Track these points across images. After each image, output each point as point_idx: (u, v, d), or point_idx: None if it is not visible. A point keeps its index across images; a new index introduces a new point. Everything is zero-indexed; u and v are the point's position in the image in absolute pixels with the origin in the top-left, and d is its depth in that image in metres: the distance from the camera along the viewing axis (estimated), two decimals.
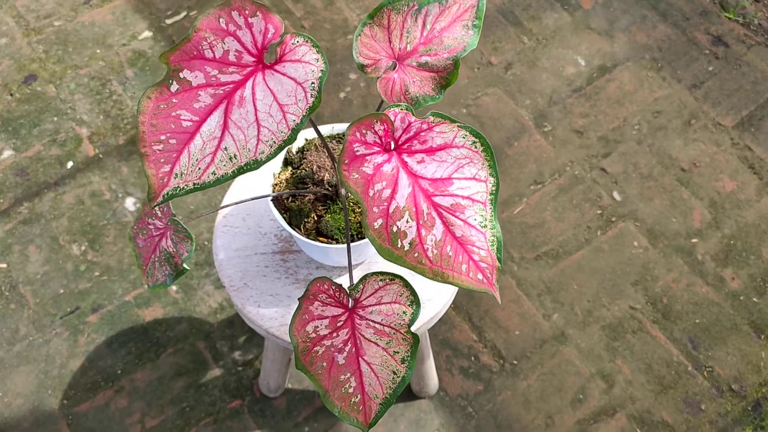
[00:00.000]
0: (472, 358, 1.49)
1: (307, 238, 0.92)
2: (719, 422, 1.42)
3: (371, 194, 0.69)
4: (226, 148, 0.69)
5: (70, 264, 1.59)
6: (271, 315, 0.98)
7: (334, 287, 0.74)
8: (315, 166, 0.94)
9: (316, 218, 0.93)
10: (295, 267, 1.02)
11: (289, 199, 0.94)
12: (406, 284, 0.73)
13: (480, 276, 0.71)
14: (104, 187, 1.68)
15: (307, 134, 1.00)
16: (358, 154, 0.69)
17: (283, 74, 0.70)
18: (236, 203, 0.90)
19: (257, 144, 0.70)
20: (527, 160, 1.70)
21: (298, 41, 0.71)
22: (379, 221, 0.69)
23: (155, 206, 0.69)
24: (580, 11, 1.92)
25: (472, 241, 0.71)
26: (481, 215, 0.72)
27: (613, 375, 1.46)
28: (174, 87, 0.70)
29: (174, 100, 0.70)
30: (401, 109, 0.72)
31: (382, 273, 0.73)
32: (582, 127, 1.74)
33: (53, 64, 1.87)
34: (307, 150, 0.97)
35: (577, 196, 1.65)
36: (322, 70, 0.70)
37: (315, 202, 0.93)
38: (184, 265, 0.85)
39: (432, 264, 0.70)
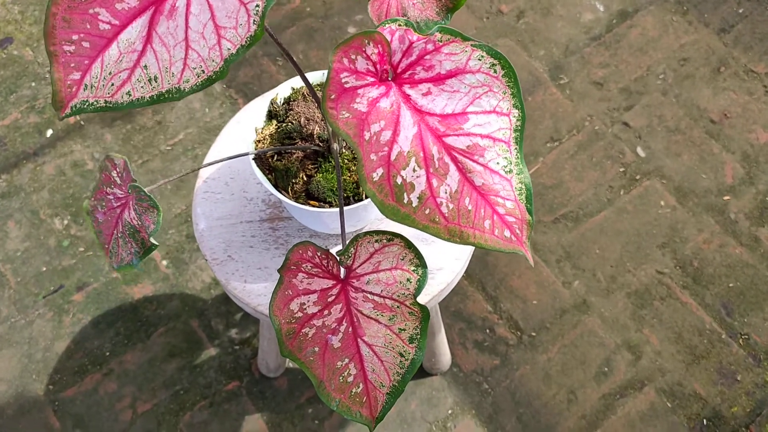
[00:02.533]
0: (487, 331, 1.37)
1: (296, 201, 0.80)
2: (757, 393, 1.30)
3: (367, 137, 0.56)
4: (146, 66, 0.59)
5: (53, 239, 1.48)
6: (260, 291, 0.86)
7: (320, 254, 0.61)
8: (303, 119, 0.82)
9: (305, 179, 0.81)
10: (285, 236, 0.90)
11: (275, 158, 0.82)
12: (408, 244, 0.60)
13: (507, 233, 0.59)
14: (86, 156, 1.57)
15: (295, 83, 0.88)
16: (347, 86, 0.57)
17: None
18: (208, 165, 0.78)
19: (183, 69, 0.58)
20: (543, 116, 1.56)
21: None
22: (379, 171, 0.57)
23: (63, 118, 0.60)
24: None
25: (496, 191, 0.59)
26: (505, 158, 0.59)
27: (641, 345, 1.34)
28: None
29: None
30: (399, 26, 0.59)
31: (377, 232, 0.61)
32: (602, 79, 1.60)
33: (30, 26, 1.75)
34: (294, 101, 0.85)
35: (598, 153, 1.52)
36: None
37: (304, 160, 0.81)
38: (152, 240, 0.73)
39: (448, 222, 0.58)
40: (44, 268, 1.46)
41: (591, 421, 1.29)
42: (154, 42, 0.59)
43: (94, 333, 1.40)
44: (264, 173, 0.81)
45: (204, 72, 0.59)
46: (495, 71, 0.59)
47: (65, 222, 1.50)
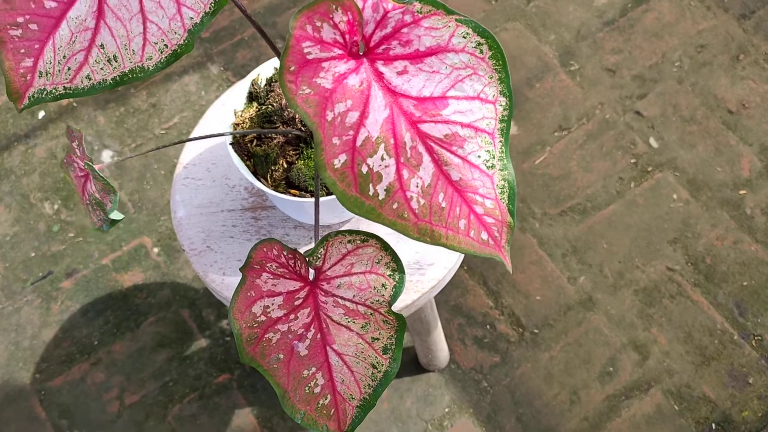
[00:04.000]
0: (488, 327, 1.32)
1: (275, 190, 0.74)
2: None
3: (330, 118, 0.50)
4: (102, 45, 0.53)
5: (42, 224, 1.44)
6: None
7: (286, 253, 0.56)
8: (284, 101, 0.76)
9: (285, 166, 0.75)
10: (268, 226, 0.85)
11: (254, 142, 0.77)
12: (385, 246, 0.55)
13: (485, 235, 0.53)
14: None
15: (278, 62, 0.82)
16: (310, 58, 0.51)
17: None
18: (173, 144, 0.72)
19: (144, 45, 0.53)
20: (551, 103, 1.50)
21: None
22: (342, 158, 0.51)
23: (22, 110, 0.55)
24: None
25: (475, 187, 0.53)
26: (488, 150, 0.53)
27: (648, 345, 1.29)
28: None
29: None
30: None
31: (350, 232, 0.55)
32: (614, 65, 1.53)
33: None
34: (276, 81, 0.79)
35: (608, 143, 1.45)
36: None
37: (285, 146, 0.76)
38: (112, 217, 0.68)
39: (417, 219, 0.52)
40: (33, 254, 1.42)
41: (594, 423, 1.23)
42: (107, 17, 0.53)
43: (82, 321, 1.36)
44: (242, 159, 0.76)
45: (167, 46, 0.53)
46: (481, 51, 0.53)
47: (55, 206, 1.46)
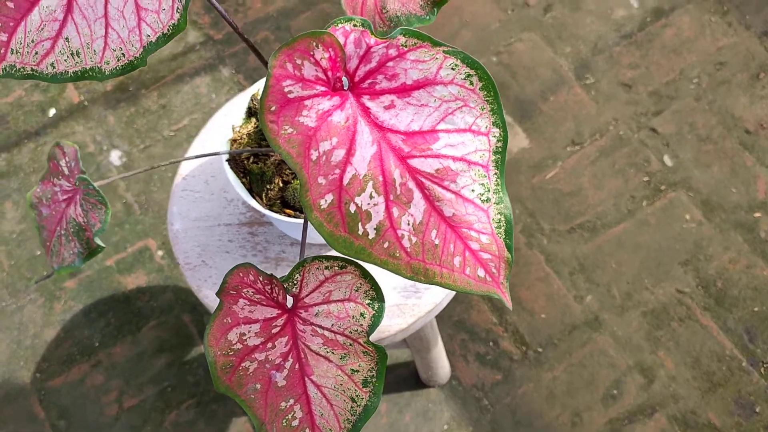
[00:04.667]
0: (491, 344, 1.30)
1: (270, 209, 0.73)
2: None
3: (314, 157, 0.49)
4: (68, 39, 0.55)
5: None
6: None
7: (262, 278, 0.54)
8: None
9: (281, 185, 0.74)
10: (264, 242, 0.83)
11: (251, 160, 0.76)
12: (364, 273, 0.53)
13: (481, 272, 0.51)
14: (88, 138, 1.52)
15: None
16: (291, 96, 0.49)
17: None
18: (169, 164, 0.71)
19: (104, 48, 0.55)
20: (564, 117, 1.47)
21: None
22: (329, 197, 0.50)
23: None
24: None
25: (469, 223, 0.52)
26: (482, 184, 0.52)
27: (654, 369, 1.26)
28: None
29: None
30: (354, 26, 0.51)
31: (327, 257, 0.54)
32: (630, 80, 1.50)
33: None
34: None
35: (621, 160, 1.43)
36: None
37: (281, 164, 0.74)
38: (97, 241, 0.67)
39: (410, 258, 0.51)
40: (38, 252, 1.42)
41: None
42: (74, 13, 0.55)
43: (84, 322, 1.36)
44: (238, 176, 0.74)
45: (124, 56, 0.55)
46: (471, 83, 0.51)
47: None
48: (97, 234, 0.66)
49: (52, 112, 1.56)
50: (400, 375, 1.29)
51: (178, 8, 0.52)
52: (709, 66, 1.51)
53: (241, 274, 0.54)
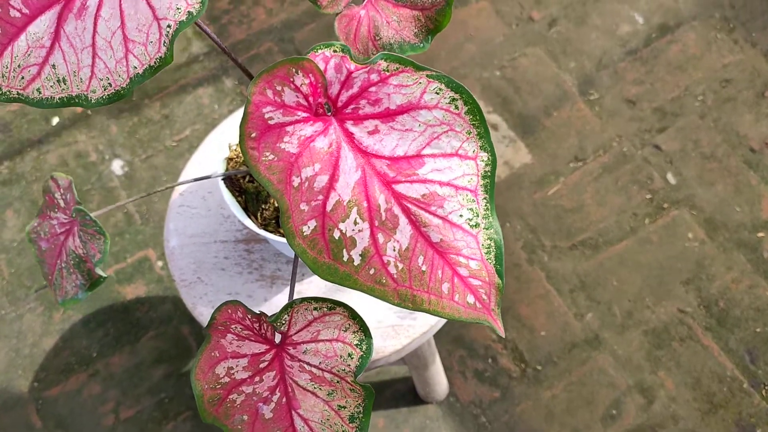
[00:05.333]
0: (489, 361, 1.29)
1: (265, 229, 0.73)
2: None
3: (296, 184, 0.49)
4: (54, 66, 0.55)
5: None
6: None
7: (251, 316, 0.54)
8: None
9: (276, 204, 0.74)
10: (260, 260, 0.83)
11: (246, 178, 0.75)
12: (353, 315, 0.53)
13: (471, 298, 0.51)
14: (90, 148, 1.52)
15: None
16: (271, 123, 0.49)
17: None
18: (163, 189, 0.71)
19: (91, 77, 0.55)
20: (568, 133, 1.47)
21: None
22: (311, 224, 0.49)
23: None
24: None
25: (457, 248, 0.51)
26: (470, 209, 0.51)
27: (654, 389, 1.25)
28: None
29: None
30: (334, 51, 0.51)
31: (316, 299, 0.53)
32: (635, 96, 1.50)
33: None
34: None
35: (624, 177, 1.42)
36: (190, 12, 0.51)
37: None
38: (99, 271, 0.66)
39: (397, 284, 0.50)
40: None
41: None
42: (62, 41, 0.55)
43: (83, 332, 1.36)
44: (234, 194, 0.74)
45: (111, 85, 0.55)
46: (456, 107, 0.50)
47: None
48: (97, 264, 0.66)
49: (55, 120, 1.56)
50: (398, 390, 1.29)
51: (165, 42, 0.52)
52: (714, 83, 1.50)
53: (229, 311, 0.54)
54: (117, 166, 1.50)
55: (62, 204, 0.69)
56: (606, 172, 1.43)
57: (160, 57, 0.53)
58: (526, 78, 1.54)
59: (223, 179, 0.74)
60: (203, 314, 0.81)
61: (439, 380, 1.19)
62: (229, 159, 0.76)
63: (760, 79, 1.51)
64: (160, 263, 1.40)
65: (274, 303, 0.80)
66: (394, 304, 0.50)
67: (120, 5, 0.53)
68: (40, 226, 0.72)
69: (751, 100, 1.48)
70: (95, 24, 0.54)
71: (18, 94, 0.57)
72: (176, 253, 0.85)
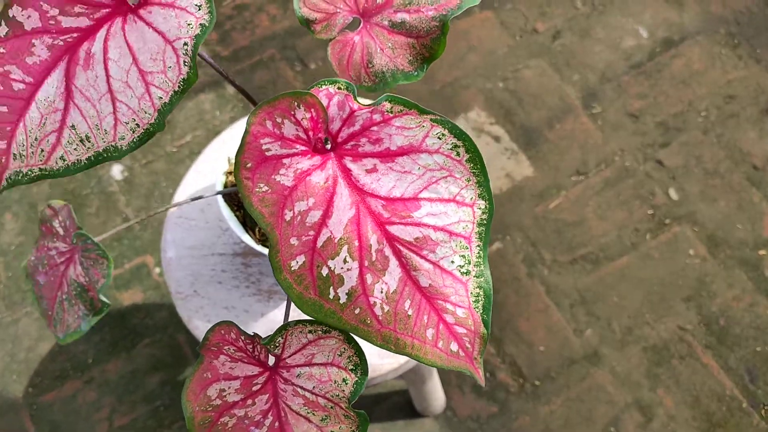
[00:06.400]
0: (488, 375, 1.28)
1: (263, 245, 0.72)
2: None
3: (288, 218, 0.48)
4: (73, 126, 0.52)
5: None
6: None
7: (244, 338, 0.54)
8: None
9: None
10: (258, 274, 0.82)
11: None
12: (348, 339, 0.52)
13: (454, 346, 0.50)
14: None
15: None
16: (269, 154, 0.48)
17: (148, 24, 0.51)
18: (166, 208, 0.70)
19: (115, 125, 0.52)
20: (570, 146, 1.46)
21: None
22: (300, 259, 0.49)
23: (1, 191, 0.54)
24: None
25: (446, 295, 0.50)
26: (463, 256, 0.50)
27: (653, 407, 1.24)
28: (2, 30, 0.53)
29: (2, 50, 0.52)
30: (338, 89, 0.50)
31: (311, 322, 0.53)
32: (638, 111, 1.49)
33: None
34: None
35: (626, 191, 1.41)
36: (202, 25, 0.50)
37: None
38: (102, 298, 0.64)
39: (381, 326, 0.49)
40: None
41: None
42: (75, 97, 0.52)
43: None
44: (233, 209, 0.73)
45: (139, 126, 0.52)
46: (458, 153, 0.50)
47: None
48: (101, 290, 0.64)
49: None
50: (395, 403, 1.28)
51: (185, 62, 0.51)
52: (718, 99, 1.50)
53: (222, 331, 0.53)
54: (117, 171, 1.49)
55: (61, 232, 0.67)
56: (608, 187, 1.42)
57: (183, 79, 0.51)
58: (530, 90, 1.53)
59: (221, 194, 0.73)
60: (199, 328, 0.80)
61: (436, 395, 1.19)
62: (229, 173, 0.76)
63: (764, 96, 1.50)
64: (157, 270, 1.39)
65: (271, 318, 0.79)
66: (376, 345, 0.50)
67: (126, 41, 0.51)
68: (38, 259, 0.69)
69: (755, 116, 1.48)
70: (106, 69, 0.51)
71: (40, 170, 0.53)
72: (173, 265, 0.84)
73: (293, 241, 0.48)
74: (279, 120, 0.48)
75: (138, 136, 0.52)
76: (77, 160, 0.53)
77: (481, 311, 0.50)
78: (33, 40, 0.52)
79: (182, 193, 0.88)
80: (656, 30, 1.58)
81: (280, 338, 0.52)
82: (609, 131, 1.48)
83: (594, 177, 1.44)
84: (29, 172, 0.53)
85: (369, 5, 0.56)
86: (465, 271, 0.50)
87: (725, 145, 1.45)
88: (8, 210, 1.47)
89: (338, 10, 0.56)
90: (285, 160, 0.48)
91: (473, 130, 1.49)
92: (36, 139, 0.52)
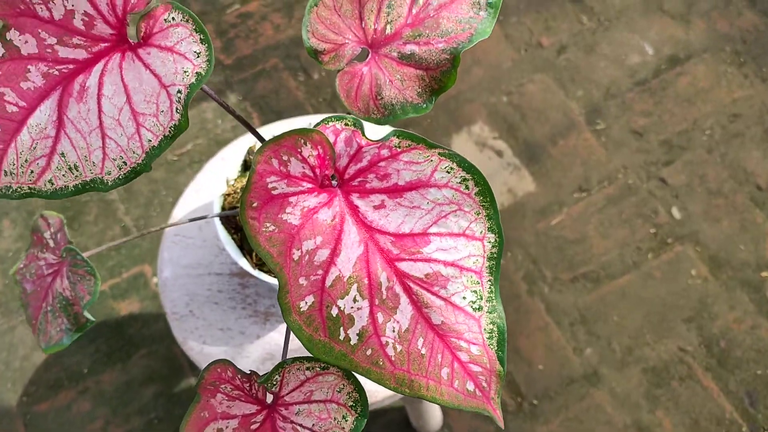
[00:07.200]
0: None
1: (260, 269, 0.71)
2: None
3: (296, 257, 0.47)
4: (63, 154, 0.53)
5: None
6: (218, 356, 0.78)
7: (240, 377, 0.53)
8: None
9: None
10: (255, 295, 0.81)
11: None
12: (348, 375, 0.51)
13: (470, 385, 0.49)
14: None
15: (276, 130, 0.79)
16: (275, 193, 0.47)
17: (146, 65, 0.50)
18: (160, 228, 0.69)
19: (103, 159, 0.52)
20: (573, 163, 1.45)
21: (173, 18, 0.50)
22: (309, 299, 0.47)
23: None
24: None
25: (459, 332, 0.49)
26: (474, 291, 0.49)
27: (652, 428, 1.23)
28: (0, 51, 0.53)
29: None
30: (346, 125, 0.49)
31: (309, 359, 0.52)
32: (642, 128, 1.48)
33: None
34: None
35: (629, 209, 1.40)
36: (198, 74, 0.49)
37: None
38: (86, 315, 0.64)
39: (394, 367, 0.48)
40: None
41: None
42: (66, 127, 0.52)
43: (74, 347, 1.34)
44: (230, 232, 0.72)
45: (126, 164, 0.52)
46: (467, 187, 0.49)
47: None
48: (86, 306, 0.63)
49: None
50: (392, 420, 1.27)
51: (177, 108, 0.50)
52: (722, 117, 1.49)
53: (219, 370, 0.52)
54: None
55: (51, 244, 0.67)
56: (610, 204, 1.41)
57: (174, 125, 0.50)
58: (533, 105, 1.52)
59: (219, 217, 0.72)
60: (194, 349, 0.79)
61: (433, 413, 1.18)
62: (227, 195, 0.75)
63: None
64: (155, 279, 1.38)
65: (267, 341, 0.78)
66: (390, 388, 0.48)
67: (123, 80, 0.51)
68: (27, 267, 0.69)
69: (760, 136, 1.47)
70: (99, 104, 0.51)
71: (29, 188, 0.54)
72: (169, 285, 0.83)
73: (302, 281, 0.47)
74: (285, 158, 0.47)
75: (124, 174, 0.52)
76: (65, 186, 0.54)
77: (496, 348, 0.49)
78: (29, 66, 0.52)
79: (180, 211, 0.87)
80: (662, 47, 1.57)
81: (277, 376, 0.51)
82: (612, 148, 1.47)
83: (596, 194, 1.42)
84: (19, 189, 0.54)
85: (378, 36, 0.55)
86: (477, 306, 0.49)
87: (729, 164, 1.44)
88: (6, 216, 1.46)
89: (347, 41, 0.55)
90: (291, 198, 0.48)
91: (476, 144, 1.48)
92: (26, 161, 0.53)
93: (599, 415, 1.25)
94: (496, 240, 0.49)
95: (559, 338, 1.31)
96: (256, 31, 1.63)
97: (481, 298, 0.49)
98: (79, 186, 0.53)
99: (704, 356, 1.28)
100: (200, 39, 0.50)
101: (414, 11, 0.55)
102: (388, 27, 0.55)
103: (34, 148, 0.53)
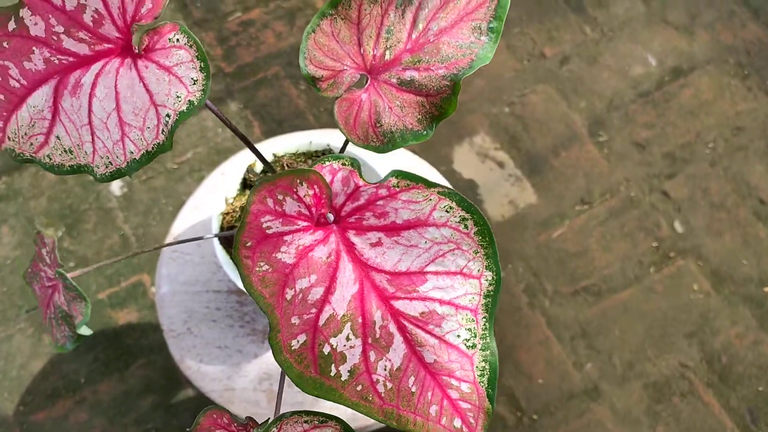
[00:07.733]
0: None
1: None
2: None
3: (289, 297, 0.46)
4: (59, 137, 0.54)
5: None
6: (215, 374, 0.77)
7: (236, 424, 0.52)
8: None
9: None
10: (253, 313, 0.80)
11: None
12: (346, 428, 0.50)
13: (458, 422, 0.49)
14: None
15: (277, 148, 0.78)
16: (269, 232, 0.46)
17: (141, 78, 0.50)
18: (156, 247, 0.69)
19: (93, 152, 0.53)
20: (575, 175, 1.44)
21: (177, 39, 0.49)
22: (301, 338, 0.47)
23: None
24: (657, 0, 1.63)
25: (451, 370, 0.49)
26: (469, 329, 0.49)
27: None
28: (11, 25, 0.54)
29: (5, 45, 0.54)
30: (342, 164, 0.49)
31: (307, 413, 0.51)
32: (645, 140, 1.47)
33: None
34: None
35: (631, 222, 1.39)
36: (191, 102, 0.48)
37: None
38: (80, 331, 0.65)
39: (383, 402, 0.48)
40: None
41: None
42: (61, 116, 0.54)
43: (71, 356, 1.33)
44: (228, 251, 0.72)
45: (111, 164, 0.53)
46: (466, 227, 0.48)
47: (59, 234, 1.44)
48: (79, 326, 0.64)
49: None
50: None
51: (163, 130, 0.50)
52: (726, 130, 1.48)
53: (214, 416, 0.51)
54: (116, 187, 1.48)
55: (48, 261, 0.67)
56: (612, 217, 1.40)
57: (158, 143, 0.51)
58: (536, 116, 1.51)
59: (217, 236, 0.72)
60: (191, 368, 0.79)
61: None
62: (225, 213, 0.74)
63: None
64: (153, 289, 1.38)
65: (264, 360, 0.78)
66: (378, 420, 0.48)
67: (115, 86, 0.51)
68: (34, 273, 0.71)
69: (763, 149, 1.46)
70: (90, 103, 0.52)
71: (30, 156, 0.56)
72: (166, 301, 0.82)
73: (294, 320, 0.47)
74: (280, 197, 0.47)
75: (110, 172, 0.53)
76: (61, 164, 0.55)
77: (486, 385, 0.49)
78: (34, 47, 0.54)
79: (179, 226, 0.86)
80: (665, 58, 1.56)
81: (274, 429, 0.50)
82: (615, 160, 1.46)
83: (598, 207, 1.42)
84: (21, 154, 0.56)
85: (377, 62, 0.54)
86: (471, 344, 0.49)
87: (732, 178, 1.43)
88: (5, 223, 1.46)
89: (345, 68, 0.54)
90: (286, 237, 0.47)
91: (477, 154, 1.47)
92: (26, 134, 0.55)
93: (599, 431, 1.24)
94: (493, 278, 0.48)
95: (560, 352, 1.30)
96: (257, 39, 1.63)
97: (475, 336, 0.49)
98: (75, 167, 0.55)
99: (705, 372, 1.27)
100: (200, 66, 0.50)
101: (414, 36, 0.53)
102: (388, 53, 0.54)
103: (33, 125, 0.54)
